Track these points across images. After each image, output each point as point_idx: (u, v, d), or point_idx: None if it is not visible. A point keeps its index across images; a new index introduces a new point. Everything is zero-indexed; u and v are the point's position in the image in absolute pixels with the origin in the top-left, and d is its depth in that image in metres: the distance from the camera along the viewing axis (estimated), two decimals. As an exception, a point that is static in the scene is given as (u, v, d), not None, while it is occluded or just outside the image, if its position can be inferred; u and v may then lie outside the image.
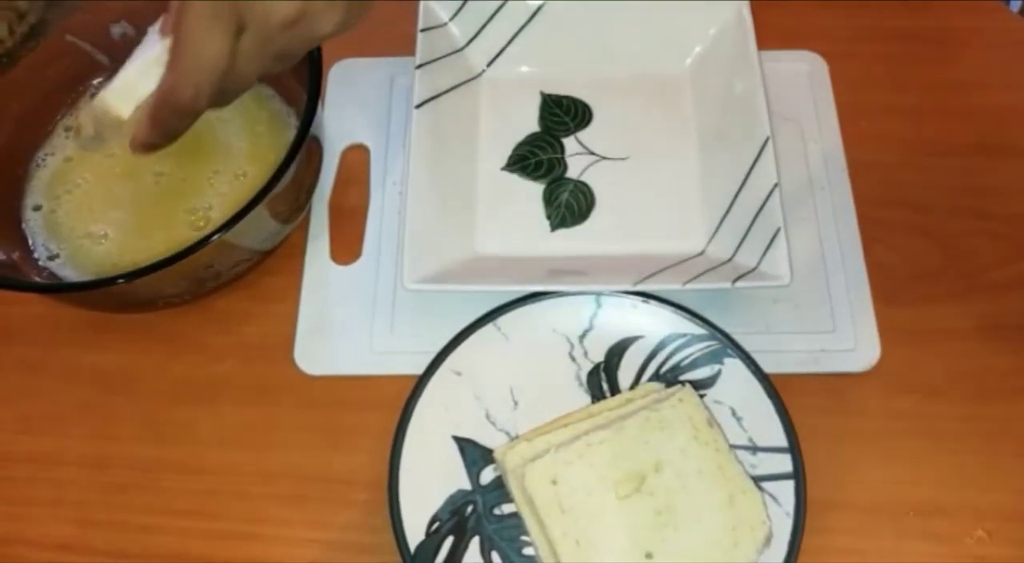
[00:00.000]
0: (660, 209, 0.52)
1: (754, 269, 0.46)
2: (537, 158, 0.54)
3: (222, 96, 0.38)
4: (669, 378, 0.46)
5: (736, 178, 0.50)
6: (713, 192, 0.51)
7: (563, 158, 0.54)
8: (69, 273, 0.49)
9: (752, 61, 0.51)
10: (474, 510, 0.43)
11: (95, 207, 0.50)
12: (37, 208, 0.51)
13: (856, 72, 0.57)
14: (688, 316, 0.46)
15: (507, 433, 0.45)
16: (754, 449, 0.44)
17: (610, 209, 0.52)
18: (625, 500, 0.41)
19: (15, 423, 0.48)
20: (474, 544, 0.43)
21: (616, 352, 0.47)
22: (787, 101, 0.55)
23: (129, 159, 0.48)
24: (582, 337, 0.47)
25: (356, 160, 0.55)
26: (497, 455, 0.43)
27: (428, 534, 0.42)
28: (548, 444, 0.42)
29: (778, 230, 0.46)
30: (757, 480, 0.43)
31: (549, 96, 0.56)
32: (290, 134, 0.46)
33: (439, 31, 0.55)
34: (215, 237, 0.42)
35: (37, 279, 0.48)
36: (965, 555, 0.44)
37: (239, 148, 0.51)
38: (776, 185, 0.48)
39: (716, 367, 0.46)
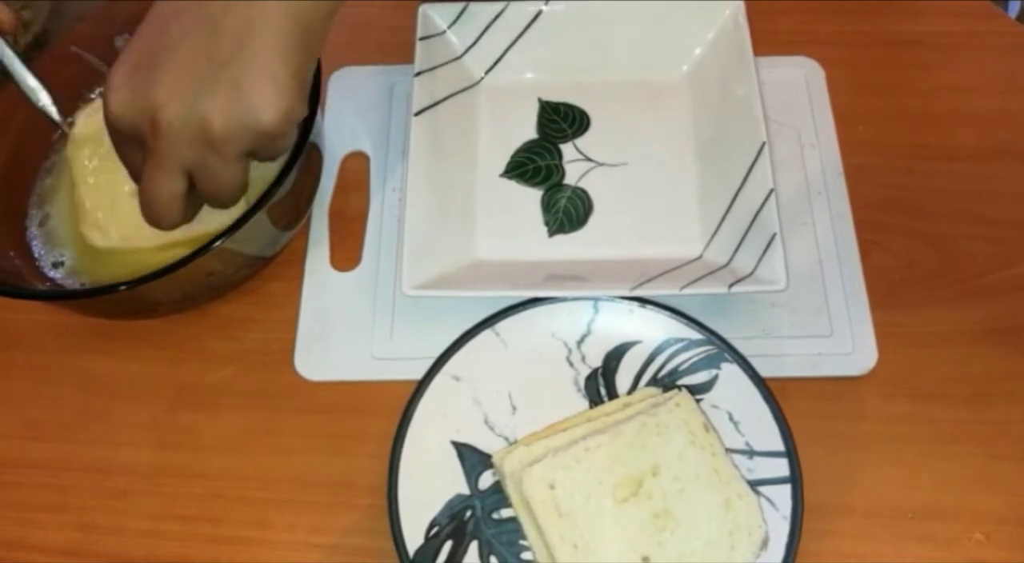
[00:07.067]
0: (657, 214, 0.52)
1: (751, 274, 0.47)
2: (535, 164, 0.54)
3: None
4: (666, 383, 0.46)
5: (733, 183, 0.50)
6: (710, 197, 0.52)
7: (561, 164, 0.54)
8: (73, 281, 0.49)
9: (748, 65, 0.52)
10: (473, 514, 0.44)
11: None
12: (42, 217, 0.51)
13: (853, 77, 0.57)
14: (685, 321, 0.47)
15: (505, 438, 0.46)
16: (751, 453, 0.44)
17: (608, 215, 0.52)
18: (622, 504, 0.41)
19: (20, 429, 0.49)
20: (473, 548, 0.43)
21: (614, 357, 0.47)
22: (784, 107, 0.55)
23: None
24: (580, 342, 0.47)
25: (356, 167, 0.55)
26: (496, 460, 0.44)
27: (427, 538, 0.43)
28: (546, 448, 0.43)
29: (775, 235, 0.47)
30: (754, 484, 0.43)
31: (547, 103, 0.56)
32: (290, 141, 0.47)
33: (438, 39, 0.55)
34: (216, 244, 0.43)
35: (41, 287, 0.49)
36: (963, 558, 0.44)
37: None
38: (772, 190, 0.48)
39: (713, 372, 0.46)
